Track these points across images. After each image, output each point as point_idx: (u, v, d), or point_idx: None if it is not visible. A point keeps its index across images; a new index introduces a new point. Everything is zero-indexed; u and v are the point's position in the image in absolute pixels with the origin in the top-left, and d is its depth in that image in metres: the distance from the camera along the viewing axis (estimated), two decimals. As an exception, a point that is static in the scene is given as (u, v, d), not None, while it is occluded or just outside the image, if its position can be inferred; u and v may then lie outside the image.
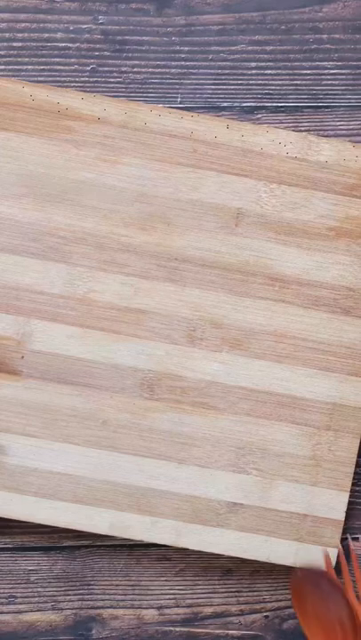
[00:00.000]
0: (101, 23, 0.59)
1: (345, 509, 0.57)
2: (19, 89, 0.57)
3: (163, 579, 0.59)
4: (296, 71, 0.59)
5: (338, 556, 0.57)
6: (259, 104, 0.59)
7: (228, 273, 0.57)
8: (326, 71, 0.59)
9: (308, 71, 0.59)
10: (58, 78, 0.58)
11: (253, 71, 0.59)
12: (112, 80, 0.59)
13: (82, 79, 0.59)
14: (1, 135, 0.57)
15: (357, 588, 0.57)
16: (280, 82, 0.59)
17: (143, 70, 0.59)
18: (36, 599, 0.59)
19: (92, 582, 0.59)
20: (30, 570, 0.59)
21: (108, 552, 0.59)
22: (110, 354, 0.57)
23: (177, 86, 0.59)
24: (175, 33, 0.59)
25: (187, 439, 0.57)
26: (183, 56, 0.59)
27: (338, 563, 0.57)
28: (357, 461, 0.58)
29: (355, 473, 0.58)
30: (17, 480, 0.57)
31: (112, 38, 0.59)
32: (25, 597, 0.59)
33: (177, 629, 0.59)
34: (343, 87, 0.59)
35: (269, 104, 0.59)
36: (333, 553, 0.57)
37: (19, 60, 0.58)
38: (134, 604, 0.59)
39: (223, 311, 0.57)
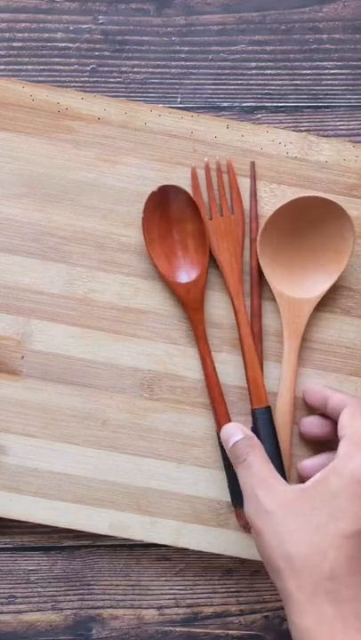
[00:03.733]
0: (101, 23, 0.59)
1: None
2: (19, 89, 0.57)
3: (163, 579, 0.59)
4: (296, 71, 0.59)
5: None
6: (259, 104, 0.59)
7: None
8: (326, 71, 0.59)
9: (308, 71, 0.59)
10: (58, 78, 0.58)
11: (253, 71, 0.59)
12: (112, 80, 0.59)
13: (82, 79, 0.59)
14: (1, 135, 0.57)
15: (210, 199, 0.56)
16: (280, 82, 0.59)
17: (143, 70, 0.59)
18: (36, 599, 0.59)
19: (92, 582, 0.59)
20: (30, 570, 0.59)
21: (108, 552, 0.59)
22: (110, 354, 0.57)
23: (177, 86, 0.59)
24: (175, 33, 0.59)
25: (187, 439, 0.57)
26: (183, 56, 0.59)
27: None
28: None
29: (355, 473, 0.58)
30: (17, 480, 0.57)
31: (112, 38, 0.59)
32: (25, 597, 0.59)
33: (177, 629, 0.59)
34: (343, 87, 0.59)
35: (269, 104, 0.59)
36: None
37: (19, 60, 0.58)
38: (134, 604, 0.59)
39: (223, 311, 0.57)
